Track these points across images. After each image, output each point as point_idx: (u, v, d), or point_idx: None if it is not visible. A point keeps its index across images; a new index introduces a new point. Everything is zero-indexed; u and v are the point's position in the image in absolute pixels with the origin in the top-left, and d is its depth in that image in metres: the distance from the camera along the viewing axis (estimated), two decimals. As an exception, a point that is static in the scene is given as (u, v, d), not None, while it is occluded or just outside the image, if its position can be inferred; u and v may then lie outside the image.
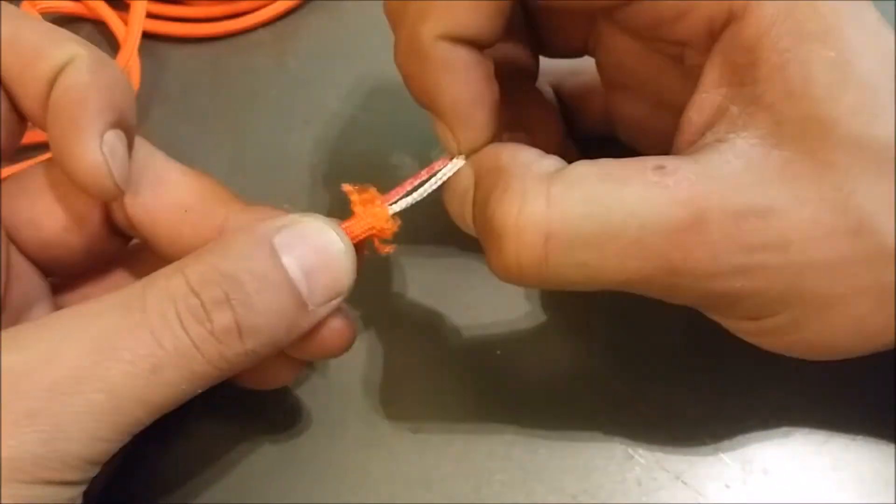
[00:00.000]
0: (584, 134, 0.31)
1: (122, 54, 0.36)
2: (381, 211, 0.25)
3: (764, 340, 0.25)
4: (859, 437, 0.28)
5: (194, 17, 0.40)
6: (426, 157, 0.35)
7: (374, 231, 0.25)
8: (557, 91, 0.32)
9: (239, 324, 0.22)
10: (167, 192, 0.25)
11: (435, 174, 0.25)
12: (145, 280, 0.22)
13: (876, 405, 0.28)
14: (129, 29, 0.37)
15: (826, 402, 0.29)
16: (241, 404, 0.30)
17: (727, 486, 0.28)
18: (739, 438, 0.28)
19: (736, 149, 0.22)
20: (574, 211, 0.22)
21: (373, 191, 0.26)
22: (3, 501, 0.20)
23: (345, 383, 0.31)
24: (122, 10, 0.39)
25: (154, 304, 0.21)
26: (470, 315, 0.32)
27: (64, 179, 0.24)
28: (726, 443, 0.28)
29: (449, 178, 0.25)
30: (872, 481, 0.27)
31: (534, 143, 0.25)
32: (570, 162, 0.24)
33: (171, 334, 0.21)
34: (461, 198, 0.25)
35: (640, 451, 0.28)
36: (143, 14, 0.38)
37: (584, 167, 0.23)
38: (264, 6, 0.40)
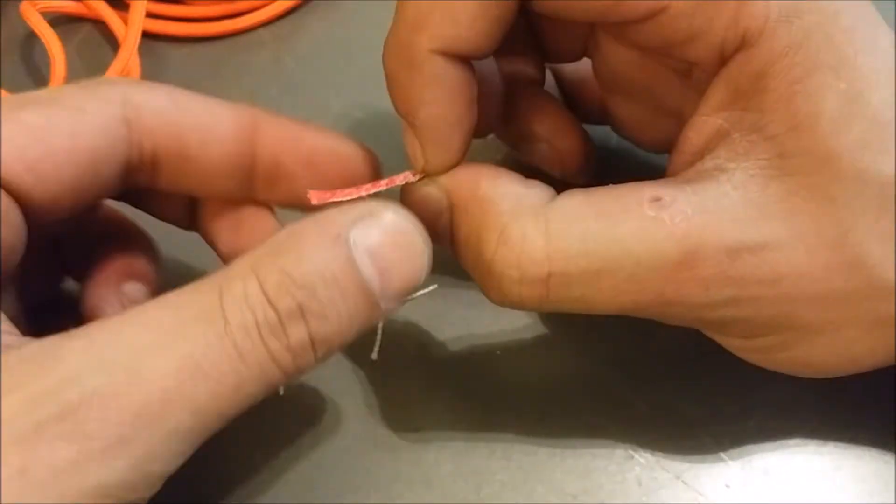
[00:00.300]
0: (584, 121, 0.31)
1: (122, 54, 0.36)
2: None
3: (754, 357, 0.25)
4: (860, 438, 0.28)
5: (194, 16, 0.40)
6: (426, 156, 0.35)
7: None
8: (556, 76, 0.32)
9: (312, 337, 0.21)
10: (190, 112, 0.24)
11: (394, 186, 0.25)
12: (217, 279, 0.21)
13: (876, 406, 0.28)
14: (129, 28, 0.37)
15: (827, 402, 0.29)
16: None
17: (727, 486, 0.28)
18: (740, 438, 0.28)
19: (734, 180, 0.22)
20: (572, 249, 0.22)
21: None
22: None
23: (345, 383, 0.31)
24: (122, 10, 0.39)
25: (234, 315, 0.20)
26: (470, 315, 0.32)
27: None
28: (727, 443, 0.28)
29: (415, 198, 0.25)
30: (873, 482, 0.27)
31: (558, 153, 0.26)
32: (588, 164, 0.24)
33: (253, 349, 0.20)
34: (433, 220, 0.25)
35: (641, 450, 0.28)
36: (143, 14, 0.38)
37: (578, 199, 0.23)
38: (264, 6, 0.40)
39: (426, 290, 0.32)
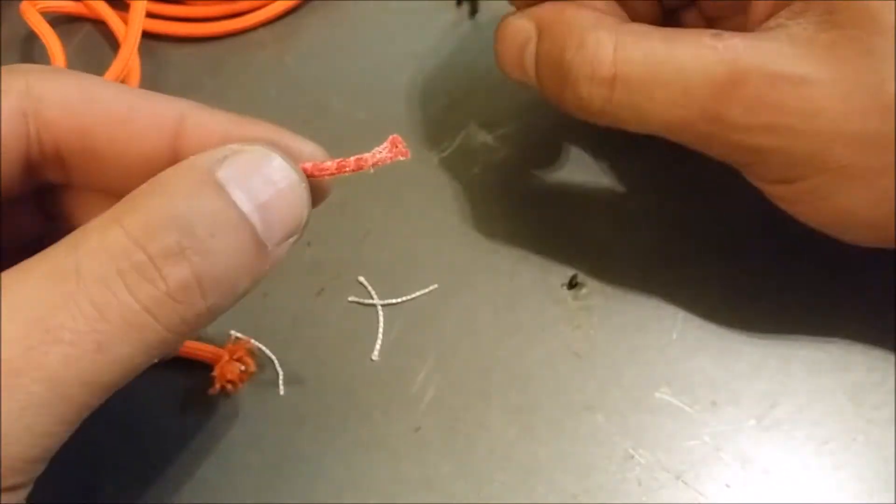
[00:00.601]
0: None
1: (122, 54, 0.36)
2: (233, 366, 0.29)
3: (798, 209, 0.27)
4: (859, 438, 0.28)
5: (194, 16, 0.40)
6: (426, 156, 0.35)
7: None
8: None
9: (198, 276, 0.19)
10: (99, 103, 0.21)
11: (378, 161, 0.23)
12: (74, 235, 0.19)
13: (876, 405, 0.28)
14: (129, 28, 0.37)
15: (826, 401, 0.29)
16: (238, 405, 0.30)
17: (727, 486, 0.28)
18: (740, 438, 0.28)
19: (789, 31, 0.24)
20: (636, 58, 0.25)
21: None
22: None
23: (345, 383, 0.31)
24: (122, 10, 0.39)
25: (90, 266, 0.18)
26: (470, 315, 0.32)
27: None
28: (726, 442, 0.28)
29: (508, 30, 0.29)
30: (872, 481, 0.27)
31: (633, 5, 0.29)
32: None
33: (117, 301, 0.18)
34: (520, 48, 0.28)
35: (641, 450, 0.28)
36: (143, 14, 0.38)
37: (649, 26, 0.26)
38: (264, 6, 0.40)
39: (426, 290, 0.32)
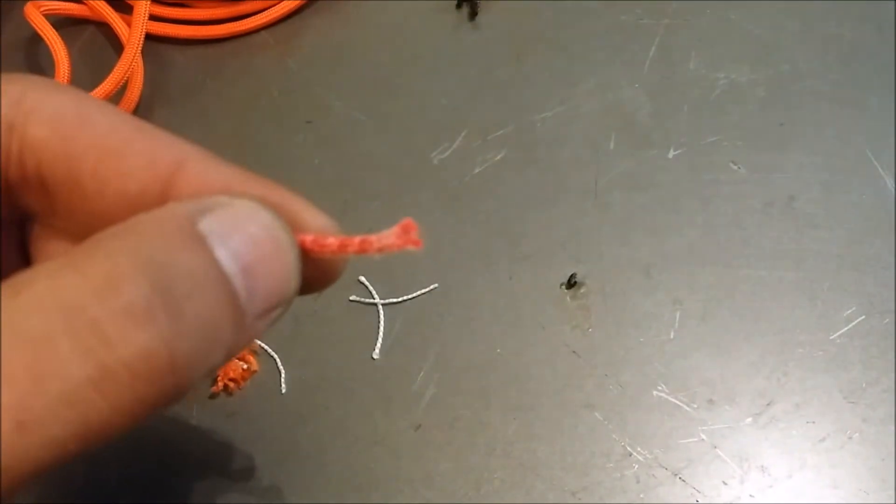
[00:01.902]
0: None
1: (126, 56, 0.37)
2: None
3: None
4: (855, 436, 0.28)
5: (197, 19, 0.40)
6: (426, 156, 0.35)
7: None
8: None
9: (167, 344, 0.15)
10: (93, 128, 0.18)
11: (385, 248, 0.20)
12: (18, 279, 0.15)
13: (875, 404, 0.29)
14: (133, 31, 0.37)
15: (822, 400, 0.29)
16: (241, 403, 0.31)
17: (725, 484, 0.28)
18: (737, 436, 0.29)
19: None
20: None
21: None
22: None
23: (346, 381, 0.31)
24: (126, 12, 0.39)
25: (31, 319, 0.14)
26: (470, 314, 0.32)
27: None
28: (724, 440, 0.28)
29: None
30: (868, 479, 0.28)
31: None
32: None
33: (56, 369, 0.14)
34: None
35: (639, 448, 0.29)
36: (146, 16, 0.38)
37: None
38: (266, 8, 0.40)
39: (426, 290, 0.33)
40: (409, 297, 0.32)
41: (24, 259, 0.21)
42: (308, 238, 0.18)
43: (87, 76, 0.38)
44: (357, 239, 0.19)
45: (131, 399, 0.15)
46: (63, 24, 0.40)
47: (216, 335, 0.16)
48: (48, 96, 0.19)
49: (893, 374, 0.29)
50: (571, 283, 0.32)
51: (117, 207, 0.18)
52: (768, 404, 0.29)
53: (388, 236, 0.19)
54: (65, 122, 0.18)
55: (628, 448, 0.29)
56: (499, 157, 0.35)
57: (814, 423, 0.29)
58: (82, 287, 0.14)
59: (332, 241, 0.19)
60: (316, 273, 0.19)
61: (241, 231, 0.16)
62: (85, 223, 0.18)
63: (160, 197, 0.18)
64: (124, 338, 0.14)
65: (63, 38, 0.37)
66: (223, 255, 0.16)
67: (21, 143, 0.18)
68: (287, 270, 0.17)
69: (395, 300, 0.32)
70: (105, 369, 0.14)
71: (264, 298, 0.17)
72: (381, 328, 0.32)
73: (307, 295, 0.19)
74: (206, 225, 0.16)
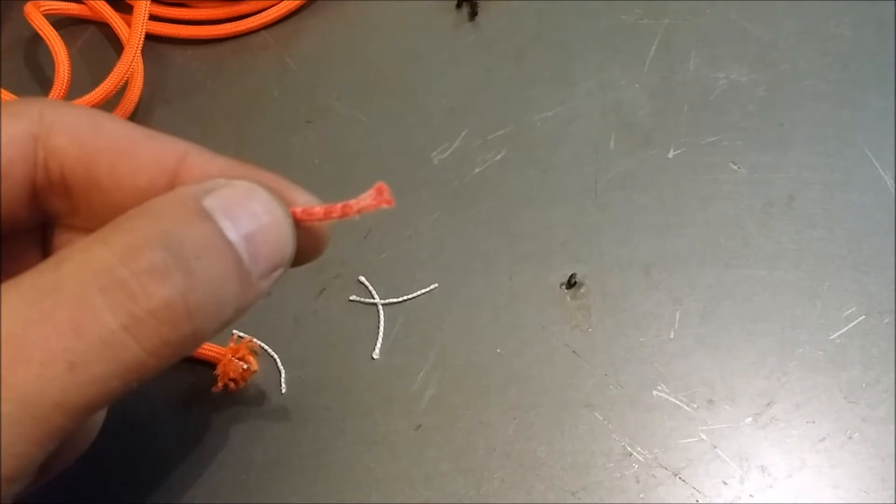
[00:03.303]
0: None
1: (126, 56, 0.37)
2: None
3: None
4: (855, 436, 0.28)
5: (197, 19, 0.40)
6: (426, 156, 0.35)
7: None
8: None
9: (183, 295, 0.18)
10: (106, 134, 0.21)
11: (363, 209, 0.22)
12: (58, 254, 0.18)
13: (874, 404, 0.29)
14: (133, 31, 0.37)
15: (822, 399, 0.29)
16: (241, 403, 0.31)
17: (724, 483, 0.28)
18: (737, 436, 0.29)
19: None
20: None
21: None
22: None
23: (346, 381, 0.31)
24: (126, 13, 0.39)
25: (70, 283, 0.17)
26: (470, 314, 0.32)
27: None
28: (724, 440, 0.29)
29: None
30: (868, 479, 0.28)
31: None
32: None
33: (94, 319, 0.17)
34: None
35: (639, 448, 0.29)
36: (146, 16, 0.38)
37: None
38: (266, 8, 0.40)
39: (426, 290, 0.33)
40: (409, 297, 0.32)
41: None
42: (298, 210, 0.21)
43: (87, 76, 0.38)
44: (339, 205, 0.22)
45: (158, 342, 0.18)
46: (63, 24, 0.40)
47: (225, 290, 0.19)
48: (64, 112, 0.22)
49: (893, 374, 0.29)
50: (571, 283, 0.32)
51: (131, 200, 0.21)
52: (768, 404, 0.29)
53: (364, 199, 0.22)
54: (81, 131, 0.21)
55: (628, 448, 0.29)
56: (499, 157, 0.35)
57: (814, 423, 0.29)
58: (110, 255, 0.18)
59: (318, 209, 0.22)
60: (307, 242, 0.22)
61: (240, 206, 0.20)
62: (103, 218, 0.21)
63: (167, 187, 0.21)
64: (147, 292, 0.18)
65: (63, 38, 0.37)
66: (226, 225, 0.19)
67: (45, 152, 0.21)
68: (283, 236, 0.20)
69: (395, 300, 0.32)
70: (134, 318, 0.17)
71: (265, 260, 0.20)
72: (381, 328, 0.32)
73: (300, 266, 0.22)
74: (210, 202, 0.19)
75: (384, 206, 0.22)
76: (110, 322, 0.17)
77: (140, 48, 0.37)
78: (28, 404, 0.17)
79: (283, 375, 0.31)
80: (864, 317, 0.30)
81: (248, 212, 0.20)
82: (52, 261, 0.18)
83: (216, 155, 0.22)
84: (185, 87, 0.39)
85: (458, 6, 0.40)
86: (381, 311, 0.32)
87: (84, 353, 0.17)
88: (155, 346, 0.18)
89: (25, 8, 0.38)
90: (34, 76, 0.39)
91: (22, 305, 0.17)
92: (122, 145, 0.22)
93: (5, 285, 0.18)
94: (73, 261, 0.18)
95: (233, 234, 0.19)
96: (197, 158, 0.22)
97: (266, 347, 0.32)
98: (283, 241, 0.20)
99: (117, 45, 0.39)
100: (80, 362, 0.17)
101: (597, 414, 0.29)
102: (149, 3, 0.38)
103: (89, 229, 0.21)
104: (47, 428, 0.17)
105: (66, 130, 0.21)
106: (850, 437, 0.28)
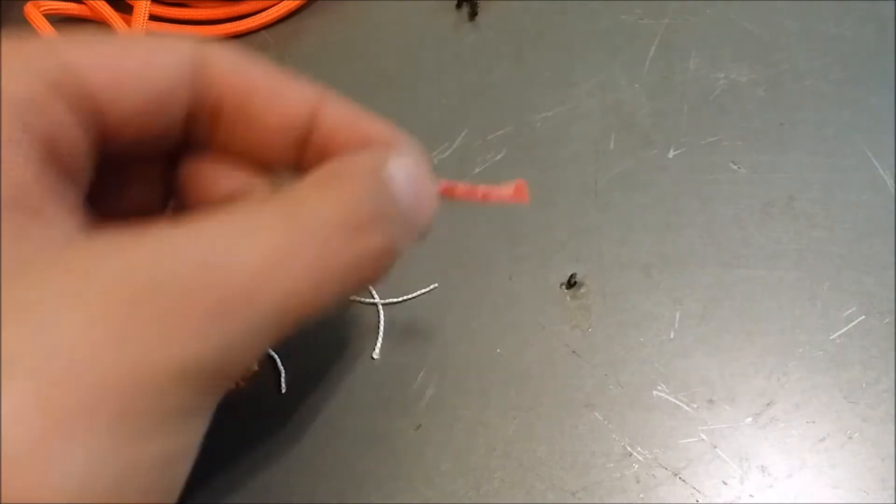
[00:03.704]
0: None
1: (126, 56, 0.37)
2: None
3: None
4: (855, 436, 0.28)
5: (197, 18, 0.40)
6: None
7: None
8: None
9: (395, 246, 0.21)
10: (261, 69, 0.24)
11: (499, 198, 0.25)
12: (309, 185, 0.21)
13: (874, 404, 0.29)
14: (132, 31, 0.37)
15: (822, 399, 0.29)
16: (241, 403, 0.31)
17: (724, 483, 0.28)
18: (737, 436, 0.29)
19: None
20: None
21: None
22: (174, 405, 0.18)
23: (346, 381, 0.31)
24: (126, 13, 0.39)
25: (325, 214, 0.20)
26: (470, 314, 0.32)
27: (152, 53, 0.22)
28: (724, 440, 0.29)
29: None
30: (869, 479, 0.28)
31: None
32: None
33: (339, 249, 0.20)
34: None
35: (639, 448, 0.29)
36: (146, 16, 0.38)
37: None
38: (266, 8, 0.40)
39: (426, 290, 0.33)
40: (409, 297, 0.32)
41: (164, 192, 0.26)
42: (443, 183, 0.24)
43: (86, 76, 0.38)
44: (480, 188, 0.24)
45: (371, 274, 0.21)
46: (63, 24, 0.40)
47: (407, 243, 0.22)
48: (218, 45, 0.23)
49: (893, 374, 0.29)
50: (571, 283, 0.32)
51: (276, 133, 0.23)
52: (768, 404, 0.29)
53: (504, 190, 0.24)
54: (240, 63, 0.23)
55: (628, 448, 0.29)
56: (499, 157, 0.35)
57: (814, 423, 0.29)
58: (351, 196, 0.21)
59: (461, 187, 0.24)
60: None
61: (408, 174, 0.23)
62: (240, 149, 0.24)
63: (308, 126, 0.24)
64: (367, 239, 0.21)
65: (63, 38, 0.37)
66: (400, 189, 0.22)
67: (206, 79, 0.23)
68: (433, 202, 0.23)
69: (395, 300, 0.32)
70: (360, 254, 0.21)
71: (423, 220, 0.23)
72: (381, 328, 0.32)
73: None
74: (387, 171, 0.22)
75: (519, 202, 0.24)
76: (349, 254, 0.20)
77: (140, 48, 0.37)
78: (280, 312, 0.19)
79: (282, 375, 0.31)
80: (864, 317, 0.30)
81: (414, 179, 0.23)
82: (302, 190, 0.21)
83: (345, 101, 0.25)
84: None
85: (458, 6, 0.40)
86: (381, 311, 0.32)
87: (327, 274, 0.20)
88: (365, 279, 0.21)
89: (25, 8, 0.38)
90: (34, 76, 0.39)
91: (283, 225, 0.19)
92: (274, 81, 0.24)
93: (261, 208, 0.20)
94: (327, 192, 0.21)
95: (406, 198, 0.22)
96: (334, 104, 0.24)
97: (266, 347, 0.32)
98: (433, 206, 0.23)
99: (117, 45, 0.39)
100: (323, 282, 0.20)
101: (597, 414, 0.29)
102: (149, 3, 0.38)
103: (219, 162, 0.24)
104: (280, 335, 0.20)
105: (226, 60, 0.23)
106: (850, 437, 0.28)
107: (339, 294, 0.21)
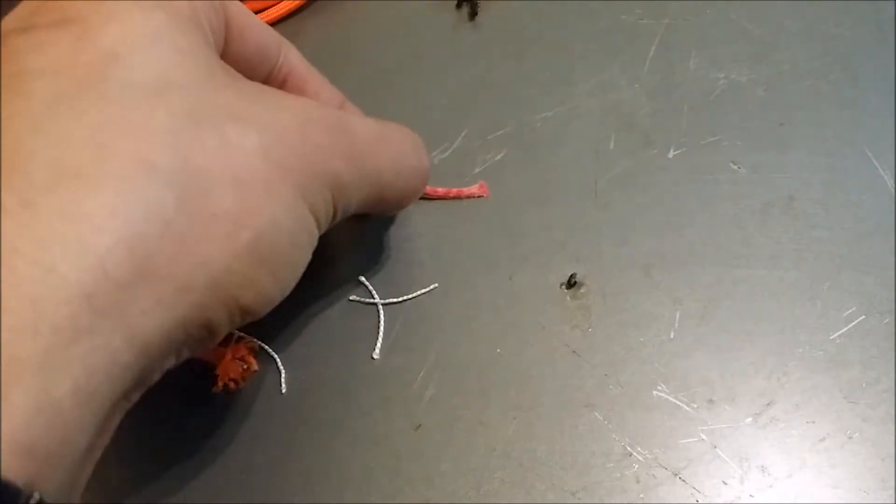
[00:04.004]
0: None
1: (126, 56, 0.37)
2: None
3: None
4: (855, 436, 0.28)
5: (197, 19, 0.40)
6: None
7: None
8: None
9: (423, 168, 0.30)
10: (250, 14, 0.29)
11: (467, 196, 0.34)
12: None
13: (874, 404, 0.29)
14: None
15: (822, 399, 0.29)
16: (241, 402, 0.31)
17: (724, 483, 0.28)
18: (737, 436, 0.29)
19: None
20: None
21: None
22: (321, 200, 0.25)
23: (346, 381, 0.31)
24: (126, 12, 0.39)
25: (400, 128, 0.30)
26: (470, 314, 0.32)
27: None
28: (724, 440, 0.29)
29: None
30: (869, 479, 0.28)
31: None
32: None
33: (402, 169, 0.29)
34: None
35: (639, 448, 0.29)
36: (146, 16, 0.38)
37: None
38: (266, 8, 0.40)
39: (426, 290, 0.33)
40: (409, 297, 0.32)
41: None
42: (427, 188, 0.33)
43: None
44: (454, 191, 0.34)
45: (411, 189, 0.30)
46: (63, 24, 0.40)
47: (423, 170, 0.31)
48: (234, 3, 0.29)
49: (893, 374, 0.29)
50: (571, 283, 0.32)
51: (255, 54, 0.29)
52: (768, 404, 0.29)
53: (470, 189, 0.34)
54: (240, 7, 0.28)
55: (628, 448, 0.29)
56: (499, 157, 0.35)
57: (814, 423, 0.29)
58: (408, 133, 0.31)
59: (440, 190, 0.34)
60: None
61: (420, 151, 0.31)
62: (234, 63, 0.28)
63: (275, 56, 0.30)
64: (416, 163, 0.30)
65: (63, 38, 0.37)
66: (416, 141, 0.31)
67: (227, 10, 0.28)
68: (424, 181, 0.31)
69: (395, 300, 0.32)
70: (399, 172, 0.29)
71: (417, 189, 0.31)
72: (381, 328, 0.32)
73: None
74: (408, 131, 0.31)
75: (483, 195, 0.34)
76: (386, 166, 0.28)
77: (140, 48, 0.37)
78: (302, 174, 0.25)
79: (282, 375, 0.31)
80: (864, 317, 0.30)
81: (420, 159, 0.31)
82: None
83: (303, 60, 0.32)
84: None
85: (458, 6, 0.40)
86: (381, 311, 0.32)
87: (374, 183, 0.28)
88: (395, 202, 0.31)
89: (25, 8, 0.38)
90: (34, 76, 0.39)
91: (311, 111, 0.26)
92: (256, 20, 0.29)
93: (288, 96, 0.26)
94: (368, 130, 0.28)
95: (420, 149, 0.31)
96: (294, 52, 0.31)
97: (266, 347, 0.32)
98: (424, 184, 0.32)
99: (117, 45, 0.39)
100: (364, 173, 0.27)
101: (597, 414, 0.29)
102: (149, 3, 0.38)
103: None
104: (370, 198, 0.28)
105: (234, 5, 0.28)
106: (850, 437, 0.28)
107: (397, 185, 0.29)
